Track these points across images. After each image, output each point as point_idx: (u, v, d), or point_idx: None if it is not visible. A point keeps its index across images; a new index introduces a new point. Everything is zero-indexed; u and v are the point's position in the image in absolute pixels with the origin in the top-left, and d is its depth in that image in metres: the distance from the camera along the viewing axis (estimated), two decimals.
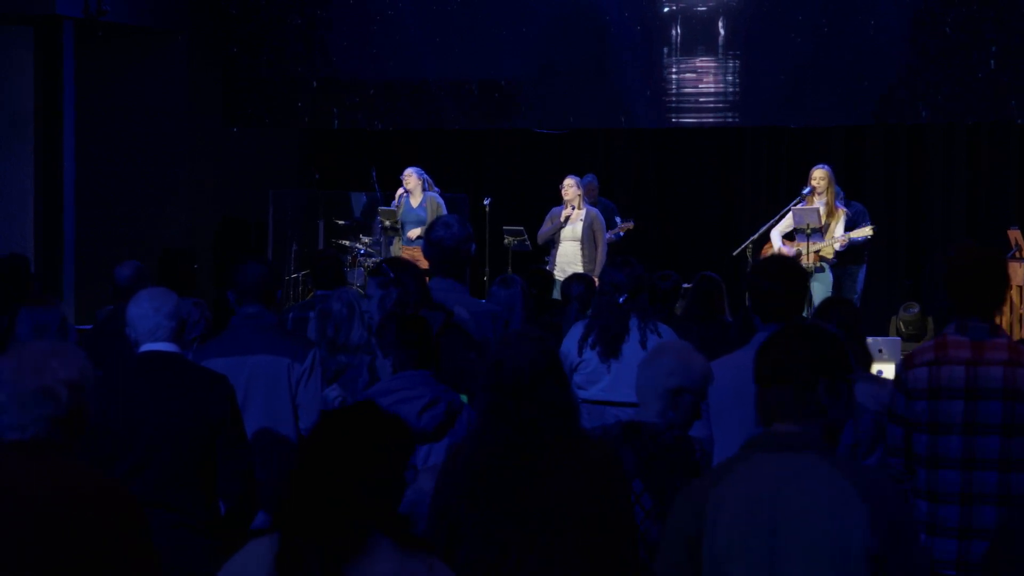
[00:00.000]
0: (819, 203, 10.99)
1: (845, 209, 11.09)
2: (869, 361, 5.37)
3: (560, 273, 10.91)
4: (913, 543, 3.03)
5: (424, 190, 11.99)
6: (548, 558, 3.58)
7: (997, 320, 4.47)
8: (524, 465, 3.60)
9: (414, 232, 11.71)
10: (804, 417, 3.06)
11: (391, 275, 5.54)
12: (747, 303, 4.81)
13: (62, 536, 3.11)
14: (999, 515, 4.20)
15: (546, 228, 11.73)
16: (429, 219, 11.64)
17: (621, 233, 12.36)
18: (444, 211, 11.83)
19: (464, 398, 5.05)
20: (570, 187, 11.62)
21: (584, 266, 11.31)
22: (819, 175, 10.99)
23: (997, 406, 4.25)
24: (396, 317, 5.10)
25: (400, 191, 12.01)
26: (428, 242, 5.94)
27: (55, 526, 3.11)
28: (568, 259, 11.48)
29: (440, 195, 12.11)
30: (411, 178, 11.99)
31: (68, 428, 3.23)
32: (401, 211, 12.01)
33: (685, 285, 8.87)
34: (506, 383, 3.64)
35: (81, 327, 9.48)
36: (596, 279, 10.40)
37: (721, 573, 3.01)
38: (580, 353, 6.46)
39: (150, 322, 4.74)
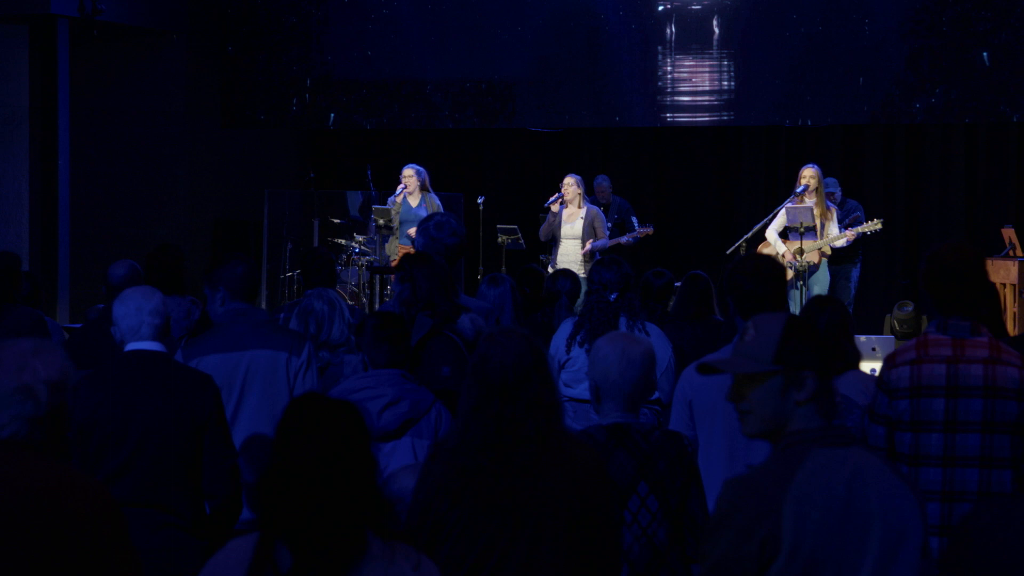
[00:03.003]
0: (811, 202, 10.98)
1: (835, 208, 11.09)
2: (858, 359, 5.37)
3: None
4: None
5: (423, 190, 11.94)
6: (531, 556, 3.57)
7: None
8: (507, 463, 3.59)
9: (414, 231, 11.64)
10: (831, 410, 3.04)
11: (408, 272, 5.55)
12: (729, 303, 4.79)
13: (39, 536, 3.09)
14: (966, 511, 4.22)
15: (544, 224, 11.78)
16: None
17: (638, 236, 12.36)
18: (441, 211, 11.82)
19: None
20: (569, 186, 11.65)
21: (584, 264, 11.33)
22: (808, 174, 10.99)
23: (978, 403, 4.25)
24: (374, 315, 5.12)
25: (400, 187, 11.90)
26: (422, 241, 5.95)
27: (32, 526, 3.09)
28: (569, 257, 11.51)
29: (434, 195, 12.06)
30: (412, 179, 11.89)
31: (47, 428, 3.22)
32: (399, 210, 11.92)
33: (679, 284, 8.87)
34: (491, 380, 3.62)
35: (74, 326, 9.50)
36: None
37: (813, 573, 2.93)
38: (568, 351, 6.44)
39: (134, 320, 4.74)
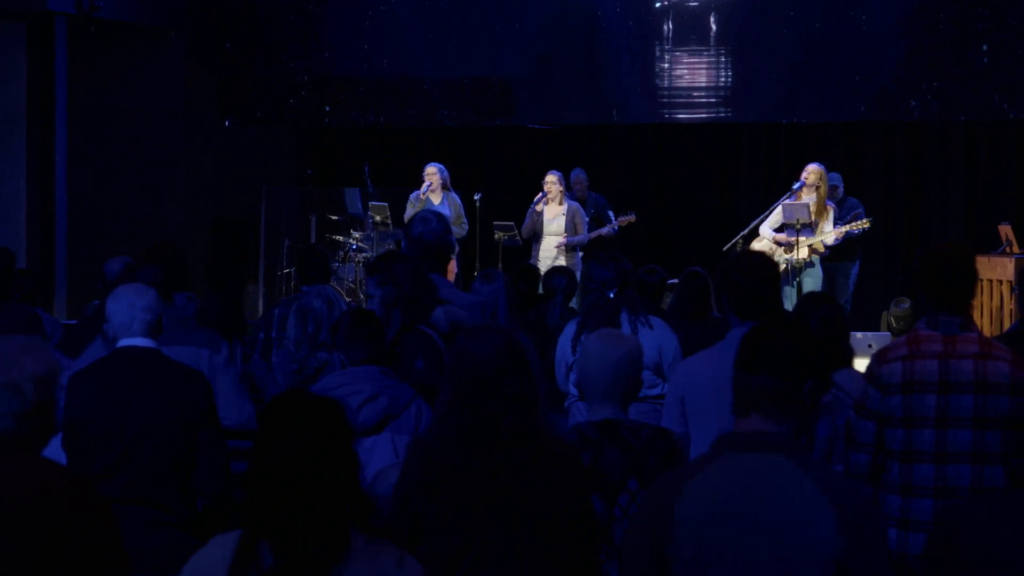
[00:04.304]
0: (808, 199, 10.97)
1: (833, 206, 11.09)
2: (851, 357, 5.37)
3: (544, 267, 10.98)
4: (880, 547, 3.00)
5: (444, 188, 11.99)
6: (509, 552, 3.56)
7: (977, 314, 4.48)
8: (484, 459, 3.58)
9: None
10: (785, 414, 3.03)
11: (388, 273, 5.58)
12: (723, 300, 4.78)
13: (27, 533, 3.08)
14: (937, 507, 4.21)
15: (527, 222, 11.85)
16: (452, 217, 11.74)
17: (617, 227, 12.38)
18: (462, 211, 11.91)
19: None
20: (552, 184, 11.78)
21: (567, 260, 11.44)
22: (811, 169, 11.00)
23: (969, 399, 4.25)
24: (348, 312, 5.13)
25: (426, 185, 11.92)
26: (409, 239, 5.96)
27: (19, 523, 3.08)
28: (552, 253, 11.62)
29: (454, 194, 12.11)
30: (435, 176, 11.95)
31: (34, 424, 3.22)
32: (424, 207, 11.88)
33: (671, 281, 8.85)
34: (468, 376, 3.61)
35: (70, 322, 9.51)
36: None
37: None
38: (573, 352, 6.41)
39: (126, 317, 4.75)
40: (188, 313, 6.58)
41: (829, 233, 10.85)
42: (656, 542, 2.98)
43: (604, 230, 12.22)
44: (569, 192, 12.33)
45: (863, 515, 2.97)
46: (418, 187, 12.05)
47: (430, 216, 5.97)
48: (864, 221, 11.01)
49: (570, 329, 6.52)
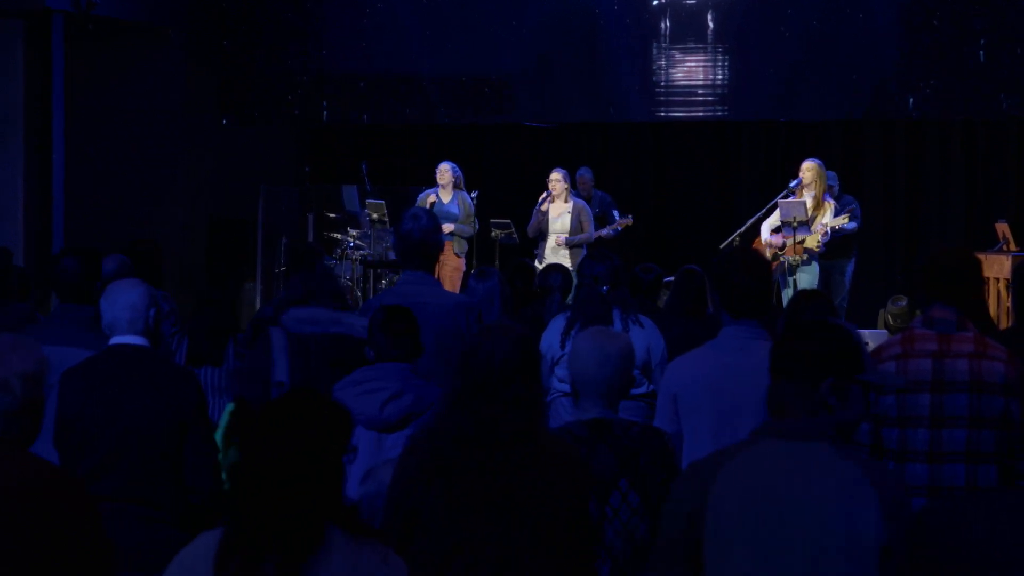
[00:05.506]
0: (807, 196, 10.97)
1: (833, 202, 11.07)
2: None
3: None
4: None
5: (456, 187, 11.99)
6: (507, 552, 3.55)
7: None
8: (481, 458, 3.57)
9: (447, 227, 11.62)
10: (808, 413, 3.05)
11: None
12: (716, 298, 4.77)
13: (15, 530, 3.09)
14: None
15: (532, 221, 11.84)
16: (461, 216, 11.76)
17: (619, 228, 12.38)
18: (472, 210, 11.90)
19: None
20: (557, 181, 11.77)
21: (572, 258, 11.42)
22: (806, 167, 10.99)
23: (963, 399, 4.24)
24: (383, 308, 5.11)
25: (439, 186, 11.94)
26: (397, 235, 5.93)
27: (8, 519, 3.09)
28: (558, 252, 11.60)
29: (465, 193, 12.10)
30: (447, 174, 11.96)
31: (23, 422, 3.22)
32: (432, 207, 11.87)
33: (668, 279, 8.84)
34: (475, 376, 3.60)
35: None
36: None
37: (725, 556, 2.98)
38: (563, 347, 6.38)
39: (110, 315, 4.75)
40: (165, 310, 6.57)
41: (814, 235, 10.81)
42: (691, 514, 3.01)
43: (604, 231, 12.23)
44: (574, 191, 12.35)
45: (901, 500, 3.00)
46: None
47: (420, 213, 5.94)
48: (843, 217, 10.97)
49: (557, 324, 6.48)
